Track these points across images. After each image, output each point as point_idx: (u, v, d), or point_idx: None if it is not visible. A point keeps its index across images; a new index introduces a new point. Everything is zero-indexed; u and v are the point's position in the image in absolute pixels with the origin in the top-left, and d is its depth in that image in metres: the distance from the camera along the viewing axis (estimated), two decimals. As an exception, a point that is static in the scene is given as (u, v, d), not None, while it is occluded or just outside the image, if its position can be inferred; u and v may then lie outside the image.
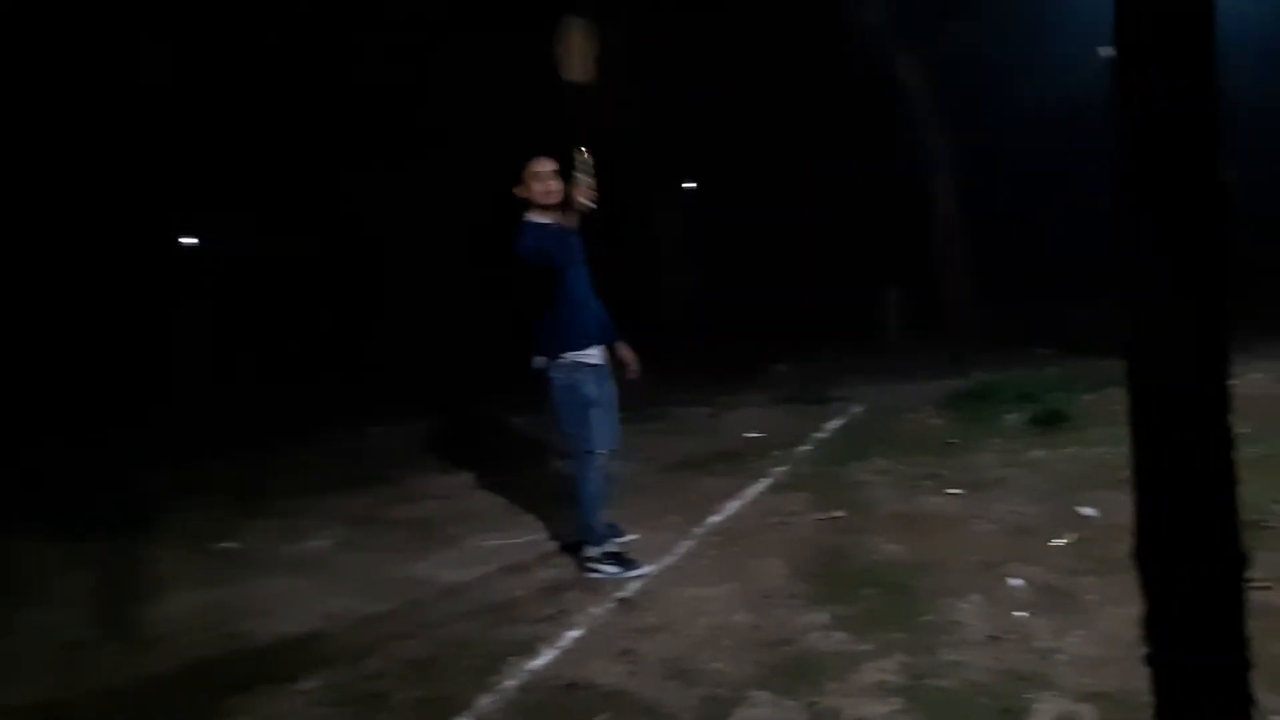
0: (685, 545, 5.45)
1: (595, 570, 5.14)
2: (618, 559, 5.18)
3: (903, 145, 13.38)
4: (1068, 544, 4.85)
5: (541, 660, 4.11)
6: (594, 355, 5.20)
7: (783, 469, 6.96)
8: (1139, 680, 1.63)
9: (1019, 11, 11.14)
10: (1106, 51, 1.19)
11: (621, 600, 4.72)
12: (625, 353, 5.46)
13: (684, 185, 19.07)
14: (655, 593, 4.80)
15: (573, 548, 5.43)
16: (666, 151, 15.99)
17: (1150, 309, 1.20)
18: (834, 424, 8.40)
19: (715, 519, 5.90)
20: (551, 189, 5.13)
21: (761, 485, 6.59)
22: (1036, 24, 10.63)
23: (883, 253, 15.12)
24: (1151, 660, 1.29)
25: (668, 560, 5.23)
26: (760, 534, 5.54)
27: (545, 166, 5.18)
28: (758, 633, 4.18)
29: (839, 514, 5.74)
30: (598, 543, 5.20)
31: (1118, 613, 3.85)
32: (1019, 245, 14.23)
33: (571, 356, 5.13)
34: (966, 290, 13.54)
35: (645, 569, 5.13)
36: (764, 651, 3.98)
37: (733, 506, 6.14)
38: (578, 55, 4.88)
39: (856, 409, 8.97)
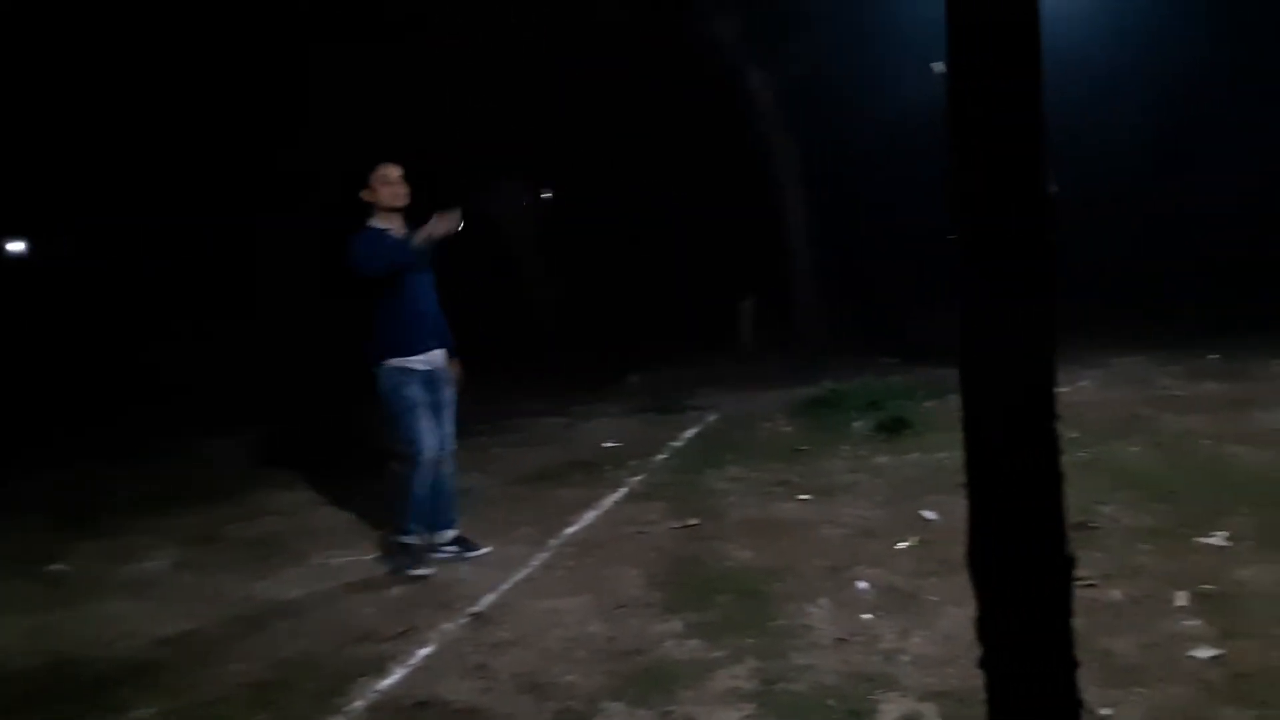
0: (540, 557, 5.40)
1: (405, 568, 5.28)
2: (409, 551, 5.31)
3: (754, 158, 13.63)
4: (911, 547, 5.00)
5: (391, 679, 4.01)
6: (421, 360, 5.23)
7: (639, 478, 6.98)
8: (979, 679, 1.67)
9: (865, 27, 11.50)
10: (939, 67, 1.22)
11: (474, 615, 4.65)
12: (459, 364, 5.52)
13: (542, 195, 19.01)
14: (509, 606, 4.73)
15: (430, 559, 5.41)
16: (524, 161, 15.89)
17: (980, 317, 1.24)
18: (689, 432, 8.47)
19: (570, 530, 5.87)
20: (399, 193, 5.24)
21: (617, 495, 6.59)
22: (883, 39, 10.99)
23: (737, 262, 15.36)
24: (984, 662, 1.32)
25: (522, 573, 5.17)
26: (616, 544, 5.54)
27: (393, 171, 5.26)
28: (612, 643, 4.17)
29: (694, 522, 5.79)
30: (407, 535, 5.32)
31: (958, 613, 3.99)
32: (869, 255, 14.68)
33: (396, 361, 5.17)
34: (817, 300, 13.87)
35: (436, 564, 5.31)
36: (618, 662, 3.98)
37: (588, 517, 6.11)
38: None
39: (711, 417, 9.07)
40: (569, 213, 18.23)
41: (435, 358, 5.30)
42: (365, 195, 5.24)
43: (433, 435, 5.23)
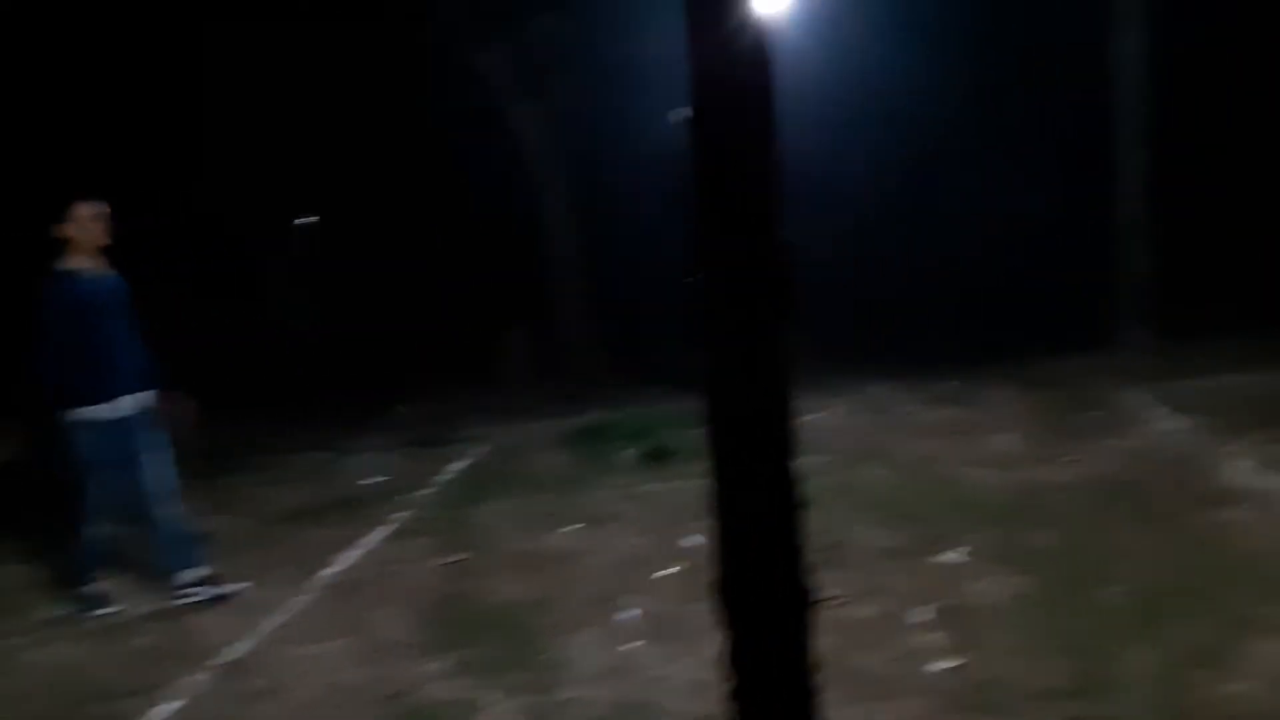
0: (298, 600, 5.17)
1: (85, 611, 5.15)
2: (90, 600, 5.18)
3: (523, 188, 13.69)
4: (676, 573, 5.11)
5: (132, 740, 3.73)
6: (107, 409, 5.03)
7: (405, 514, 6.81)
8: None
9: (630, 64, 11.79)
10: (679, 115, 1.27)
11: (226, 665, 4.39)
12: (170, 403, 5.31)
13: (299, 221, 18.32)
14: (264, 654, 4.50)
15: (174, 606, 5.15)
16: (279, 185, 15.29)
17: (719, 354, 1.30)
18: (458, 465, 8.36)
19: (332, 571, 5.65)
20: (99, 232, 5.06)
21: (382, 532, 6.41)
22: (648, 75, 11.29)
23: (508, 290, 15.32)
24: (733, 693, 1.36)
25: (278, 618, 4.93)
26: (380, 583, 5.38)
27: (93, 210, 5.07)
28: (375, 687, 4.04)
29: (462, 557, 5.70)
30: (83, 582, 5.21)
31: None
32: (641, 283, 14.94)
33: (76, 413, 4.99)
34: (587, 328, 14.03)
35: (112, 608, 5.17)
36: (382, 706, 3.86)
37: (351, 556, 5.91)
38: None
39: (481, 449, 8.98)
40: (335, 238, 17.67)
41: (127, 404, 5.06)
42: (62, 232, 4.97)
43: (102, 493, 5.09)
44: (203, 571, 5.23)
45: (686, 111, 1.25)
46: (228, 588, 5.22)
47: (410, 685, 4.01)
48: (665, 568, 5.19)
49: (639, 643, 4.26)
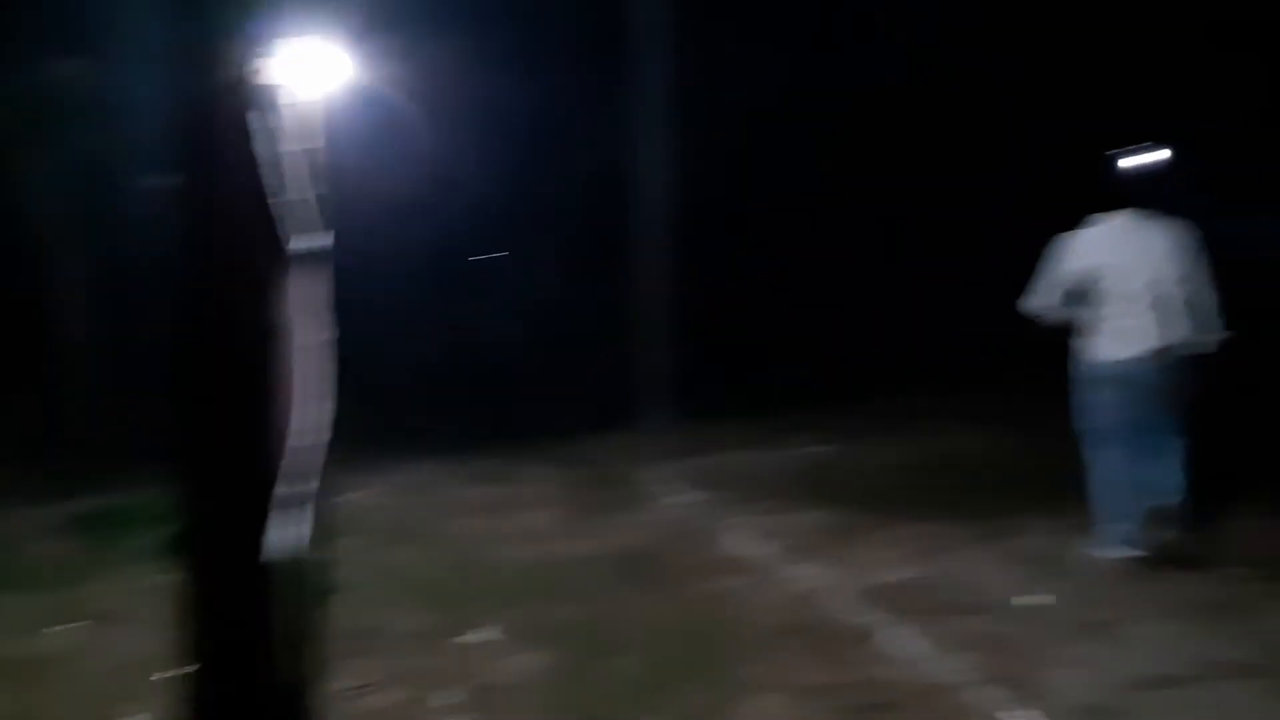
0: None
1: None
2: None
3: (24, 240, 12.22)
4: (186, 674, 4.68)
5: None
6: None
7: None
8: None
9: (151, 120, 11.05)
10: (155, 181, 1.19)
11: None
12: None
13: None
14: None
15: None
16: None
17: (191, 437, 1.24)
18: (-75, 560, 7.12)
19: None
20: None
21: None
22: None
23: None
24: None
25: None
26: None
27: None
28: None
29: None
30: None
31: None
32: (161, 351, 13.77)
33: None
34: (98, 398, 12.66)
35: None
36: None
37: None
38: None
39: (-44, 540, 7.73)
40: None
41: None
42: None
43: None
44: None
45: (169, 177, 1.18)
46: None
47: None
48: (175, 669, 4.73)
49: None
